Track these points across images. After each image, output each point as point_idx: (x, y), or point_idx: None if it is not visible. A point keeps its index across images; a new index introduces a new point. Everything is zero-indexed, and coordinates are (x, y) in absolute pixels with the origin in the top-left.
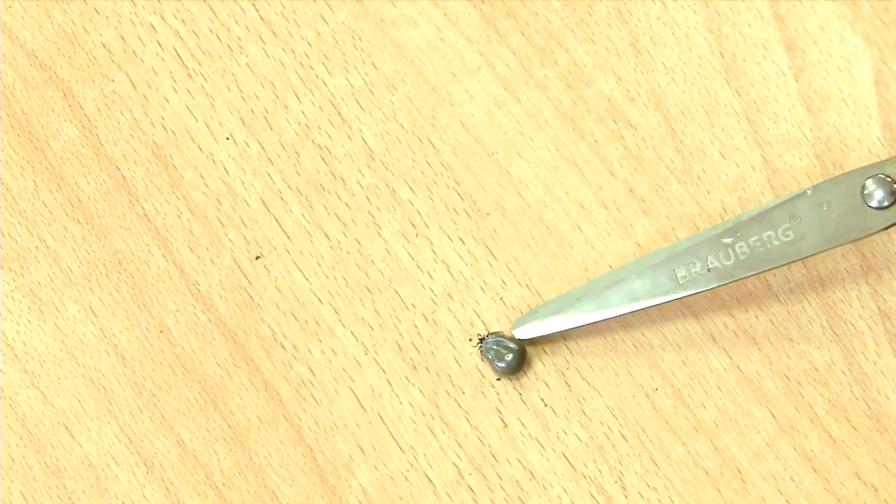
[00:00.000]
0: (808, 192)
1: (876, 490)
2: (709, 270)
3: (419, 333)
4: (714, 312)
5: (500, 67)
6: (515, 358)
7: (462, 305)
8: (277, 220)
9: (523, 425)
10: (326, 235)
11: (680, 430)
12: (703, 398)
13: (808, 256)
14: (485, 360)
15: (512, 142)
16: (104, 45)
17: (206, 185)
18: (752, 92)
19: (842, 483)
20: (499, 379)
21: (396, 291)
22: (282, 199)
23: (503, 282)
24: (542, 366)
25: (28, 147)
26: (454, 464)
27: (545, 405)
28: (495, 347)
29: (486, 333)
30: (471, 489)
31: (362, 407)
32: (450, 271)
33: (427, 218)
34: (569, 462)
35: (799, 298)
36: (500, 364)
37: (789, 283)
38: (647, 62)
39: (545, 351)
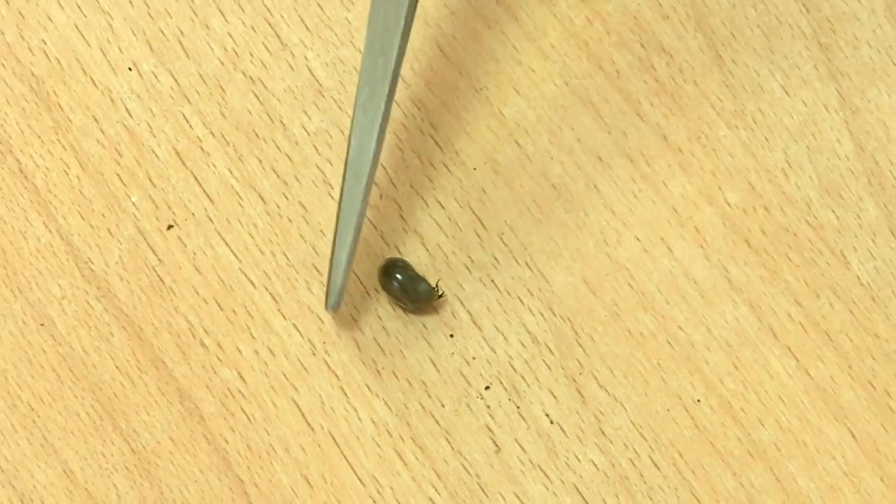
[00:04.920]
0: None
1: None
2: None
3: (384, 327)
4: (775, 299)
5: None
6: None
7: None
8: (196, 178)
9: (522, 448)
10: (261, 197)
11: (730, 454)
12: (761, 413)
13: None
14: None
15: (506, 73)
16: None
17: (102, 132)
18: (825, 7)
19: None
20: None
21: (354, 272)
22: (202, 149)
23: (495, 259)
24: (548, 370)
25: None
26: (430, 499)
27: (551, 422)
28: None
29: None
30: None
31: (308, 424)
32: (424, 244)
33: (394, 174)
34: (582, 497)
35: (888, 281)
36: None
37: (875, 260)
38: None
39: (550, 350)
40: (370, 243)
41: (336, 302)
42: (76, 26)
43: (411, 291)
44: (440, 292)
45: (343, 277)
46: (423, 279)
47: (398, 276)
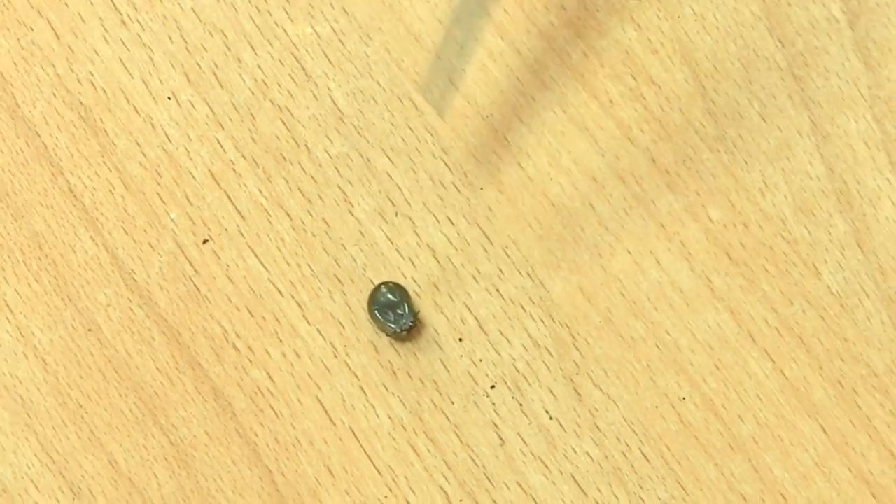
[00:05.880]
0: None
1: None
2: None
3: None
4: (753, 307)
5: (496, 12)
6: (408, 319)
7: (451, 299)
8: (229, 197)
9: (524, 442)
10: (288, 214)
11: (712, 447)
12: (740, 409)
13: None
14: (373, 319)
15: (510, 102)
16: None
17: (144, 155)
18: (799, 42)
19: None
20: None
21: (372, 282)
22: (234, 170)
23: (500, 270)
24: (547, 371)
25: None
26: (441, 488)
27: (550, 417)
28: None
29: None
30: None
31: (331, 420)
32: (436, 257)
33: (409, 193)
34: (579, 486)
35: (855, 290)
36: (392, 326)
37: (843, 271)
38: (673, 6)
39: (549, 353)
40: (386, 256)
41: (440, 104)
42: (120, 60)
43: (384, 325)
44: (406, 329)
45: (444, 81)
46: (397, 315)
47: (376, 309)
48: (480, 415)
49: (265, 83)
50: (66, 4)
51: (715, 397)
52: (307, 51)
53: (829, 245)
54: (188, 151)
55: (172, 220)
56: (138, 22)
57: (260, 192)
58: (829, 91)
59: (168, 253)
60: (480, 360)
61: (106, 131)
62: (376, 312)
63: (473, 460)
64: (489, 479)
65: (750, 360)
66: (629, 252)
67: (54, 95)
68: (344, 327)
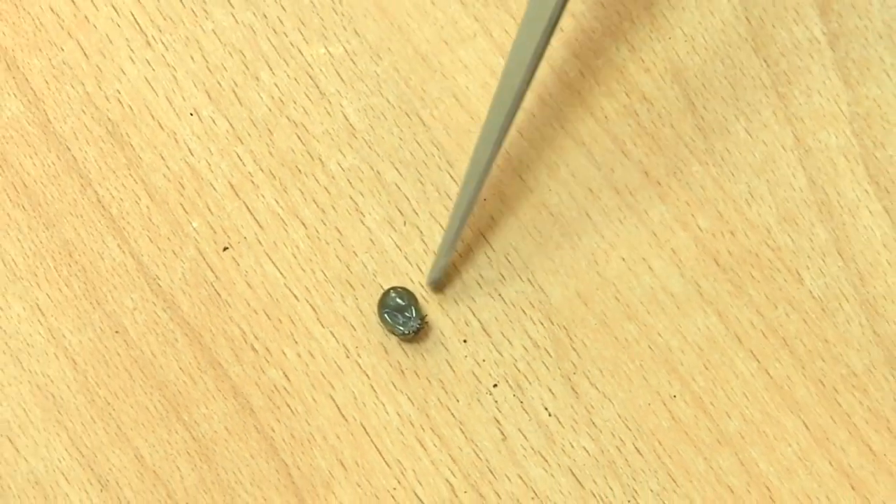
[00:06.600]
0: None
1: None
2: None
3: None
4: (739, 310)
5: (498, 34)
6: (416, 322)
7: (456, 303)
8: (248, 207)
9: (525, 437)
10: (303, 223)
11: (701, 442)
12: (728, 407)
13: None
14: (383, 321)
15: None
16: (52, 10)
17: (168, 168)
18: (783, 62)
19: (884, 503)
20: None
21: (381, 287)
22: (252, 182)
23: (501, 276)
24: (547, 370)
25: None
26: (447, 480)
27: (549, 414)
28: (396, 306)
29: (387, 288)
30: None
31: (343, 417)
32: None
33: (416, 204)
34: (576, 478)
35: (836, 294)
36: (400, 328)
37: (824, 277)
38: (664, 28)
39: (548, 353)
40: (395, 262)
41: (433, 279)
42: (146, 78)
43: (393, 327)
44: (414, 331)
45: (443, 261)
46: (405, 318)
47: (385, 312)
48: (484, 412)
49: (282, 100)
50: (94, 26)
51: (704, 395)
52: (321, 70)
53: (811, 252)
54: (209, 164)
55: (194, 228)
56: (162, 43)
57: (277, 202)
58: (810, 108)
59: (190, 260)
60: (484, 361)
61: (132, 145)
62: (386, 315)
63: (477, 454)
64: (492, 472)
65: (737, 360)
66: (623, 259)
67: (83, 112)
68: (355, 329)
